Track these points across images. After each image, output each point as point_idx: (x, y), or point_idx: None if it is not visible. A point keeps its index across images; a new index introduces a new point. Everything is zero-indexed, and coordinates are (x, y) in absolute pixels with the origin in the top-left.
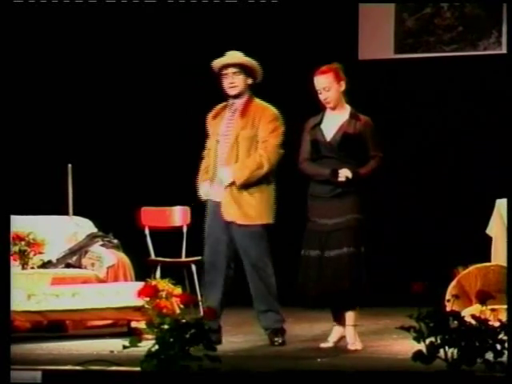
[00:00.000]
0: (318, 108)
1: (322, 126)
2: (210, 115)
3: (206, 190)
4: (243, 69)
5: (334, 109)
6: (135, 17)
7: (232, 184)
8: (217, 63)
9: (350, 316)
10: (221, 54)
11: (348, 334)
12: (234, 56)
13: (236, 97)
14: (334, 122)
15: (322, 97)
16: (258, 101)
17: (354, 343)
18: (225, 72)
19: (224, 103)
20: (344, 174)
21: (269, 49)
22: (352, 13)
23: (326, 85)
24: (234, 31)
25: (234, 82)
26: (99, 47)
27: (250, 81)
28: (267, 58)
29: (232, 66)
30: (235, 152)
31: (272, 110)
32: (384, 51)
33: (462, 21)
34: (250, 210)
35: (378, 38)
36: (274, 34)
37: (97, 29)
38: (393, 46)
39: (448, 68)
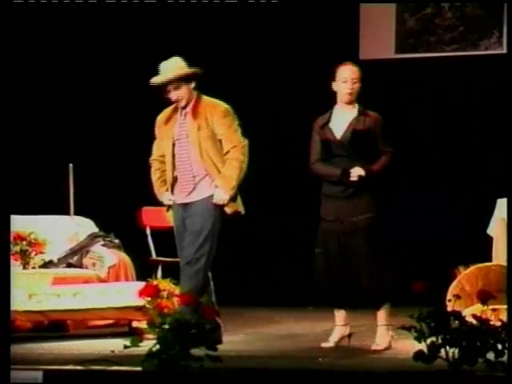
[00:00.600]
0: (324, 106)
1: (331, 125)
2: (162, 119)
3: (169, 197)
4: (182, 79)
5: (350, 103)
6: (135, 17)
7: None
8: (155, 82)
9: (380, 315)
10: (222, 54)
11: (378, 333)
12: (169, 70)
13: (182, 106)
14: (342, 119)
15: (346, 86)
16: (206, 98)
17: (378, 344)
18: (167, 89)
19: (173, 105)
20: (356, 173)
21: (270, 49)
22: (353, 13)
23: (356, 76)
24: (233, 31)
25: (178, 96)
26: (100, 47)
27: (193, 84)
28: (268, 58)
29: (171, 82)
30: (198, 152)
31: (223, 105)
32: (385, 51)
33: (463, 21)
34: None
35: (379, 37)
36: (275, 34)
37: (97, 28)
38: (394, 45)
39: (449, 68)
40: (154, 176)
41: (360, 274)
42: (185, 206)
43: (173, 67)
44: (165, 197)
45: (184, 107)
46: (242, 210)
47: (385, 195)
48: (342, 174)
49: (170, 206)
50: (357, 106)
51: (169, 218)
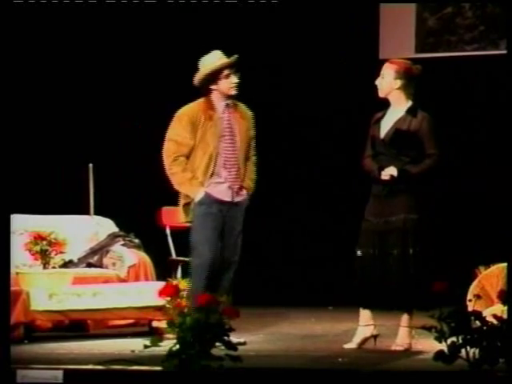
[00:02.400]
0: (344, 106)
1: (382, 122)
2: (199, 114)
3: (202, 193)
4: (238, 71)
5: (383, 99)
6: (137, 16)
7: None
8: (225, 62)
9: (404, 317)
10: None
11: (400, 334)
12: (236, 56)
13: (230, 97)
14: (391, 117)
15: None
16: (239, 103)
17: (399, 345)
18: (227, 72)
19: (200, 102)
20: (388, 172)
21: (291, 48)
22: (373, 12)
23: (384, 71)
24: (248, 31)
25: (237, 83)
26: (117, 45)
27: None
28: (289, 57)
29: (235, 66)
30: (244, 152)
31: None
32: (405, 50)
33: (484, 20)
34: None
35: (398, 37)
36: (297, 33)
37: (110, 27)
38: (414, 45)
39: (469, 67)
40: (185, 172)
41: (391, 275)
42: (230, 204)
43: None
44: (200, 193)
45: (231, 98)
46: None
47: (426, 197)
48: (376, 172)
49: (188, 203)
50: (409, 104)
51: (184, 216)
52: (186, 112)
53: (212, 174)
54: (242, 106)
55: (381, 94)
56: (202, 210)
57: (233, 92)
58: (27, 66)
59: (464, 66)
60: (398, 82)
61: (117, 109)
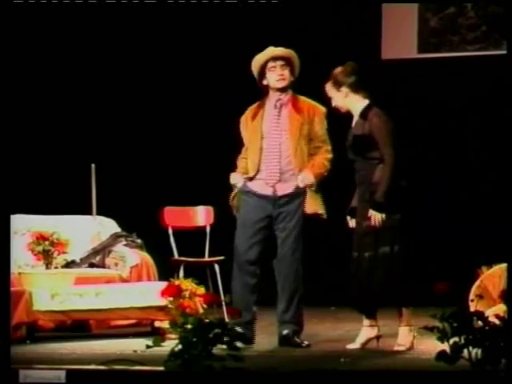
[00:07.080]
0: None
1: (352, 129)
2: (247, 116)
3: (236, 177)
4: (289, 63)
5: (347, 113)
6: (137, 16)
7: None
8: (266, 55)
9: (402, 316)
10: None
11: (400, 334)
12: (282, 49)
13: (282, 90)
14: (353, 123)
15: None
16: (303, 97)
17: (400, 345)
18: (272, 65)
19: (258, 102)
20: (376, 221)
21: (293, 48)
22: (375, 12)
23: (329, 95)
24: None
25: (283, 74)
26: (121, 46)
27: (292, 78)
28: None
29: (281, 58)
30: (294, 147)
31: (322, 107)
32: (407, 50)
33: (486, 20)
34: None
35: (401, 37)
36: (298, 33)
37: (111, 26)
38: (416, 45)
39: (472, 67)
40: (241, 162)
41: (375, 275)
42: (273, 198)
43: (283, 48)
44: (238, 179)
45: (280, 92)
46: (322, 212)
47: (405, 196)
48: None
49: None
50: (361, 107)
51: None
52: (244, 115)
53: (258, 171)
54: (306, 101)
55: (344, 110)
56: (241, 200)
57: (279, 85)
58: (29, 66)
59: (466, 67)
60: (344, 89)
61: (119, 109)
